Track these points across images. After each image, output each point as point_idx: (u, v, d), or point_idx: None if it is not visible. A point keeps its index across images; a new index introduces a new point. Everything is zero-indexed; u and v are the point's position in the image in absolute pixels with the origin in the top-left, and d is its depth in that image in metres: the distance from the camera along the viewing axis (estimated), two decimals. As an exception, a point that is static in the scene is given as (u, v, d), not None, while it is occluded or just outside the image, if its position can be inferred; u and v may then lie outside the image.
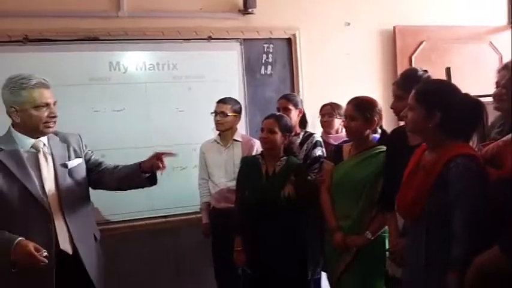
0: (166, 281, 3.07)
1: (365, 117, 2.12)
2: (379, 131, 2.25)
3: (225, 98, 2.76)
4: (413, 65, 3.54)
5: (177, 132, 3.07)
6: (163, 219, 3.06)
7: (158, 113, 3.06)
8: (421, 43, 3.57)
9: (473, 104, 1.55)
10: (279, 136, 2.33)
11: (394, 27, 3.54)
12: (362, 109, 2.13)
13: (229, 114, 2.71)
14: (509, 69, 1.62)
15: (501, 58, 3.61)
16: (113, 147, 2.92)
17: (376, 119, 2.14)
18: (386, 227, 2.08)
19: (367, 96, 2.20)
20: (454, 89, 1.58)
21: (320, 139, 2.76)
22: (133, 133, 3.01)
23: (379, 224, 2.08)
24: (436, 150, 1.56)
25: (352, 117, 2.13)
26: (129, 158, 2.91)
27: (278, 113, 2.53)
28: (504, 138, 1.24)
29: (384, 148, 2.16)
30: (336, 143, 2.66)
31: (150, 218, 3.05)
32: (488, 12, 3.77)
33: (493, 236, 1.26)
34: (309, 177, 2.52)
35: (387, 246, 2.06)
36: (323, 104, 3.05)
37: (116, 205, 2.95)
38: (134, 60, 3.03)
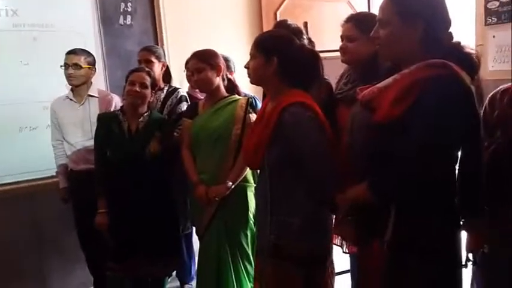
0: (25, 254, 2.80)
1: (211, 66, 2.17)
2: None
3: (76, 49, 2.51)
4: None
5: (22, 89, 2.71)
6: (15, 186, 2.74)
7: (-4, 67, 2.66)
8: (285, -1, 3.63)
9: (308, 54, 1.64)
10: (149, 91, 2.27)
11: (260, -18, 3.53)
12: (206, 59, 2.18)
13: (83, 66, 2.47)
14: (351, 22, 1.75)
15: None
16: None
17: (221, 65, 2.20)
18: (246, 175, 2.17)
19: (206, 49, 2.25)
20: (291, 38, 1.66)
21: (185, 94, 2.71)
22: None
23: (238, 172, 2.14)
24: (275, 99, 1.61)
25: (199, 69, 2.17)
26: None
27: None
28: (381, 84, 1.31)
29: (237, 97, 2.22)
30: (202, 98, 2.62)
31: (-2, 184, 2.71)
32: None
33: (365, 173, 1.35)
34: (175, 133, 2.47)
35: (248, 195, 2.17)
36: (188, 57, 2.95)
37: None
38: (-41, 3, 2.56)
